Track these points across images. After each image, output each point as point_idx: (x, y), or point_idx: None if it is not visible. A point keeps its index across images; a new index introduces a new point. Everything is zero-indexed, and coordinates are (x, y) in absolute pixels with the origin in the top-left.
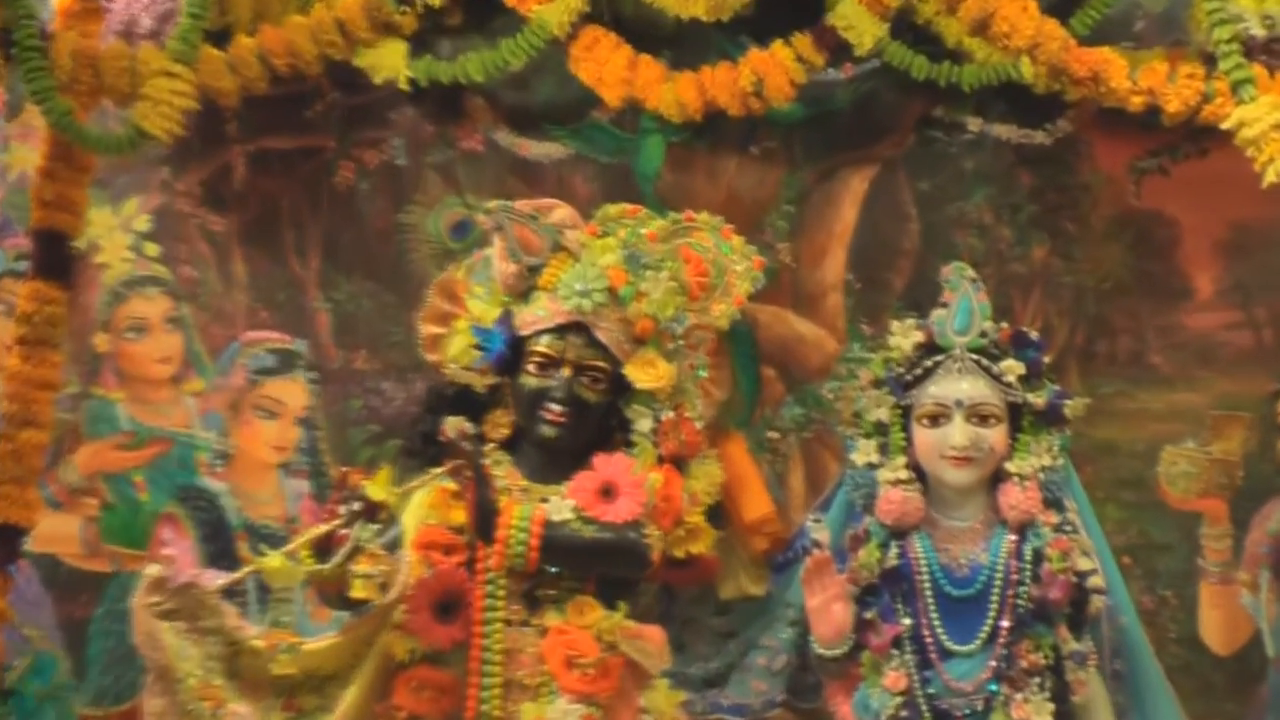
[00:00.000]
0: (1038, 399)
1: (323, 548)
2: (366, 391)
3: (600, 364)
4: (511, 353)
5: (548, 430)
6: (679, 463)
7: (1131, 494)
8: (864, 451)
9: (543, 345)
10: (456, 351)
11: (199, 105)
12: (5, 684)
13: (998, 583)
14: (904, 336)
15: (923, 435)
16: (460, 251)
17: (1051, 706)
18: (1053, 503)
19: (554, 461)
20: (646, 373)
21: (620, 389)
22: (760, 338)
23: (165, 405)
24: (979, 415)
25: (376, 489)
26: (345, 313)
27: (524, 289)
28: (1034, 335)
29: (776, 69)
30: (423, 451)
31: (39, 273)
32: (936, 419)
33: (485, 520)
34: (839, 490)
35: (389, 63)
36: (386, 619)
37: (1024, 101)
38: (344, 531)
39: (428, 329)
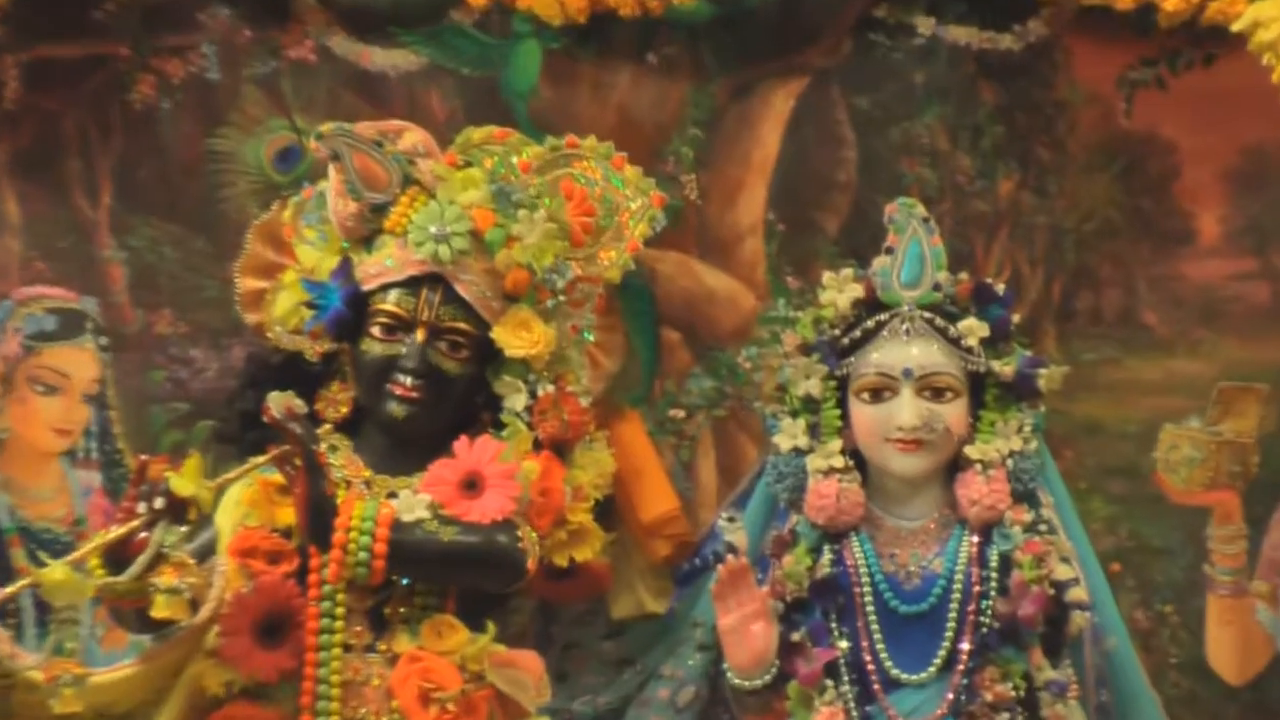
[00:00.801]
0: (1005, 367)
1: (117, 556)
2: (171, 361)
3: (462, 326)
4: (352, 312)
5: (397, 408)
6: (560, 448)
7: (1122, 485)
8: (789, 433)
9: (390, 303)
10: (283, 311)
11: None
12: None
13: (956, 596)
14: (839, 290)
15: (863, 413)
16: (287, 186)
17: None
18: (1024, 496)
19: (405, 447)
20: (519, 336)
21: (487, 357)
22: (661, 293)
23: None
24: (932, 388)
25: (184, 482)
26: (144, 263)
27: (367, 233)
28: (1000, 288)
29: None
30: (241, 435)
31: None
32: (879, 393)
33: (319, 520)
34: (758, 482)
35: None
36: (197, 644)
37: None
38: (143, 535)
39: (247, 283)
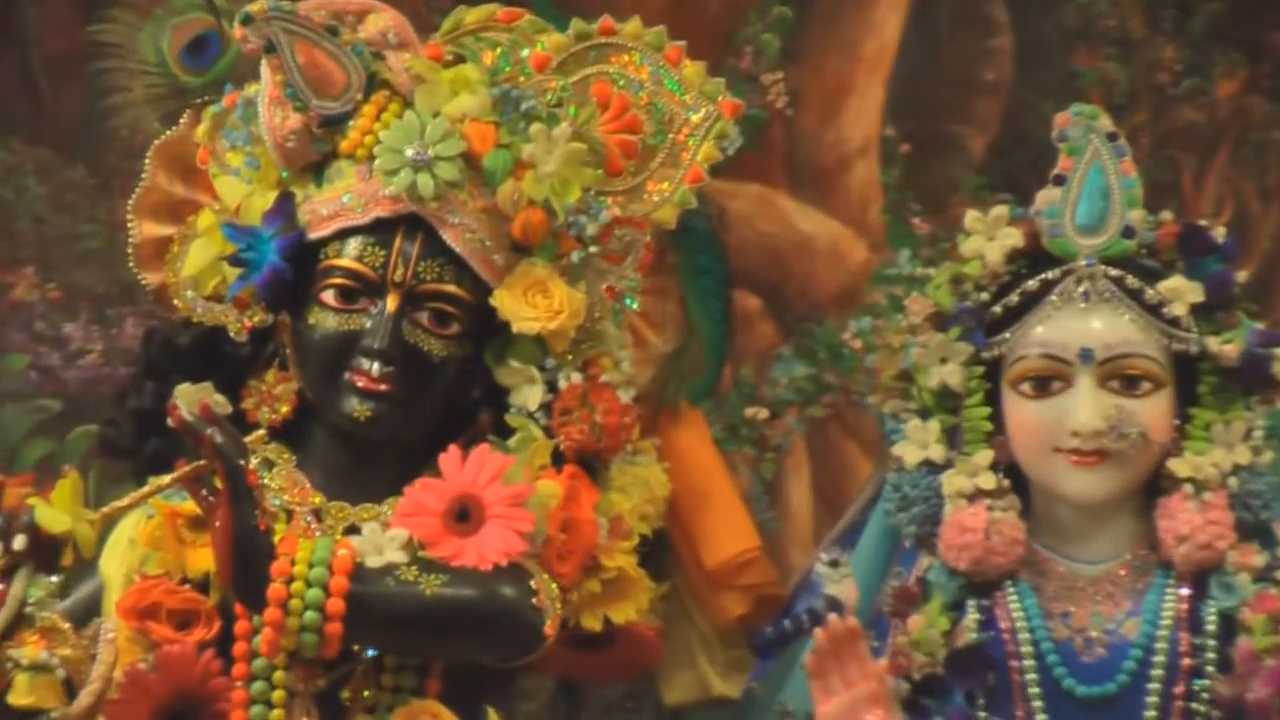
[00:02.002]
0: (1226, 346)
1: None
2: (37, 340)
3: (450, 289)
4: (294, 270)
5: (359, 406)
6: (591, 463)
7: None
8: (918, 441)
9: (349, 257)
10: (197, 268)
11: None
12: None
13: (1157, 673)
14: (988, 237)
15: (1023, 411)
16: (202, 91)
17: None
18: (1254, 531)
19: (370, 462)
20: (533, 304)
21: (487, 333)
22: (734, 242)
23: None
24: (1122, 376)
25: (55, 513)
26: (1, 203)
27: (315, 157)
28: (1219, 234)
29: None
30: (137, 445)
31: None
32: (1047, 382)
33: (248, 567)
34: (873, 510)
35: None
36: None
37: None
38: None
39: (145, 228)
